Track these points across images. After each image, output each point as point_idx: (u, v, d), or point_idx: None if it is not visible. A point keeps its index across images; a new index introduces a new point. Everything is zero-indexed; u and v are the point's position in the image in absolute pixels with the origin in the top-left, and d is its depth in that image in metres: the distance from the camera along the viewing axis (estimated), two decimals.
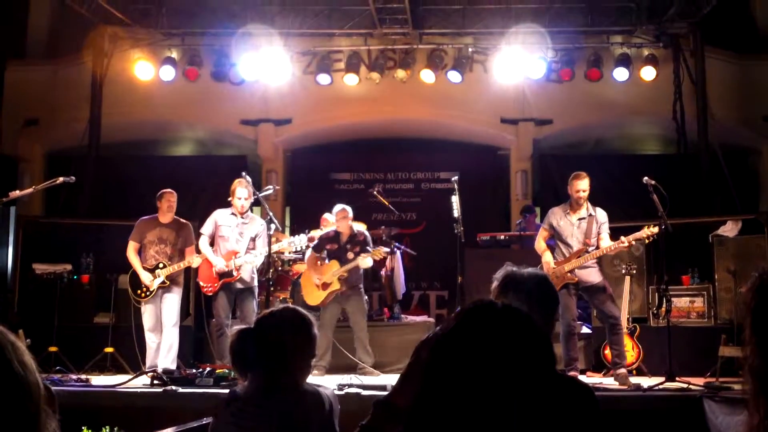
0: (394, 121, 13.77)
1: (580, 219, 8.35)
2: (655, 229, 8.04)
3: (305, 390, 3.15)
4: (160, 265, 8.77)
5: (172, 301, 8.84)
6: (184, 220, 9.13)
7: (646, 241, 8.26)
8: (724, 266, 9.69)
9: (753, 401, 1.76)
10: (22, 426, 1.45)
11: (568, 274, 8.14)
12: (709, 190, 11.88)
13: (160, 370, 8.18)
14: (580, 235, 8.31)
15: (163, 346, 8.65)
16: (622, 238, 8.13)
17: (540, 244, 8.53)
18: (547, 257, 8.30)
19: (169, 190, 9.10)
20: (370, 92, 12.98)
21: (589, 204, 8.40)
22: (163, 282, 8.75)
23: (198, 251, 8.90)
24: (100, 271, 10.44)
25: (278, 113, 13.56)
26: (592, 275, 8.26)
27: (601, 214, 8.41)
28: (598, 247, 8.26)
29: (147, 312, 8.82)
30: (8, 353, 1.45)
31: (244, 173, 8.93)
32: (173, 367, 8.48)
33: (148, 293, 8.75)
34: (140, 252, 8.94)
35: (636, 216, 8.20)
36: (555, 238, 8.52)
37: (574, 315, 8.29)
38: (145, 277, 8.75)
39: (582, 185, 8.32)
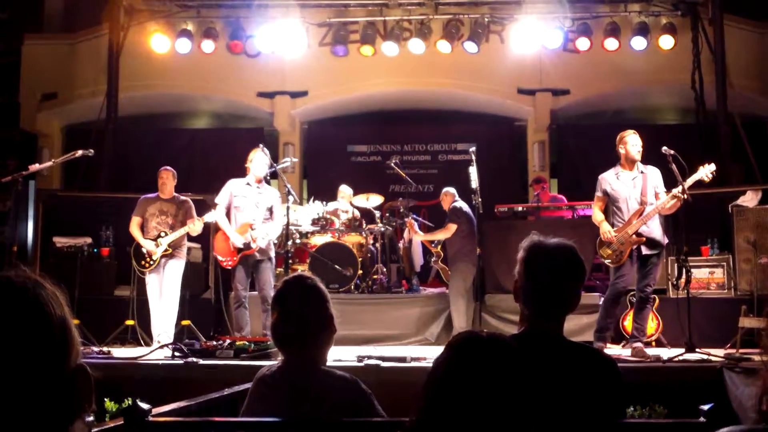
0: (410, 93, 13.72)
1: (633, 178, 7.98)
2: (713, 167, 7.76)
3: (328, 373, 3.09)
4: (162, 234, 8.92)
5: (175, 269, 9.01)
6: (184, 197, 9.27)
7: (706, 179, 7.83)
8: (743, 236, 9.63)
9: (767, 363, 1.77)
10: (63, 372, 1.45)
11: (634, 237, 7.77)
12: (729, 160, 11.78)
13: (164, 337, 8.48)
14: (637, 194, 7.91)
15: (164, 314, 8.82)
16: (677, 189, 7.66)
17: (596, 215, 8.12)
18: (605, 227, 7.92)
19: (164, 167, 9.26)
20: (386, 63, 12.92)
21: (639, 162, 8.03)
22: (166, 250, 8.91)
23: (216, 223, 8.93)
24: (120, 244, 10.49)
25: (294, 85, 13.56)
26: (660, 235, 7.89)
27: (653, 171, 8.02)
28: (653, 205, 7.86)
29: (151, 283, 8.98)
30: (50, 310, 1.46)
31: (261, 144, 8.90)
32: (171, 333, 8.73)
33: (151, 262, 8.90)
34: (143, 227, 9.09)
35: None
36: (610, 204, 8.11)
37: (627, 285, 7.99)
38: (148, 244, 8.91)
39: (636, 140, 7.96)
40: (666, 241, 8.08)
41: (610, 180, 8.08)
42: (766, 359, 1.75)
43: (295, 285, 3.21)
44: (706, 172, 7.80)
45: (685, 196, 7.62)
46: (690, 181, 7.73)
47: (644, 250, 7.86)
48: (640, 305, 7.98)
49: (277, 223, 8.77)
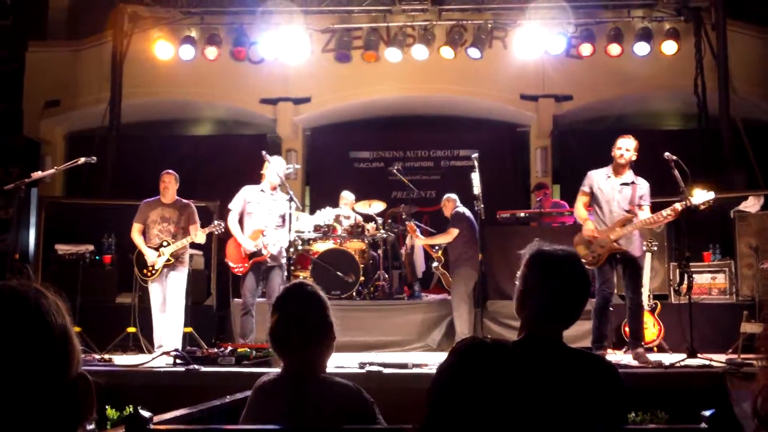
0: (413, 99, 13.73)
1: (623, 184, 7.89)
2: (712, 195, 7.62)
3: (329, 381, 3.08)
4: (164, 244, 8.83)
5: (178, 280, 8.90)
6: (186, 201, 9.15)
7: (701, 208, 7.64)
8: (745, 242, 9.64)
9: (763, 367, 1.76)
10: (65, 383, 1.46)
11: (615, 244, 7.71)
12: (731, 165, 11.77)
13: (166, 348, 8.36)
14: (624, 201, 7.83)
15: (169, 326, 8.73)
16: (676, 205, 7.54)
17: (581, 212, 8.05)
18: (590, 225, 7.83)
19: (166, 171, 9.15)
20: (389, 69, 12.93)
21: (632, 171, 7.95)
22: (168, 260, 8.81)
23: (228, 229, 8.88)
24: (122, 252, 10.49)
25: (297, 92, 13.57)
26: (636, 247, 7.85)
27: (643, 184, 7.93)
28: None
29: (153, 291, 8.91)
30: (51, 319, 1.46)
31: (264, 152, 8.90)
32: (179, 345, 8.58)
33: (153, 272, 8.81)
34: (145, 233, 8.98)
35: (657, 192, 8.09)
36: (592, 203, 8.04)
37: (612, 289, 7.94)
38: (150, 255, 8.81)
39: (623, 143, 7.84)
40: (642, 251, 8.07)
41: (598, 179, 8.02)
42: (764, 364, 1.75)
43: (294, 291, 3.21)
44: (704, 199, 7.62)
45: (684, 206, 7.59)
46: (692, 201, 7.58)
47: (622, 256, 7.86)
48: (632, 312, 7.94)
49: (287, 230, 8.76)
